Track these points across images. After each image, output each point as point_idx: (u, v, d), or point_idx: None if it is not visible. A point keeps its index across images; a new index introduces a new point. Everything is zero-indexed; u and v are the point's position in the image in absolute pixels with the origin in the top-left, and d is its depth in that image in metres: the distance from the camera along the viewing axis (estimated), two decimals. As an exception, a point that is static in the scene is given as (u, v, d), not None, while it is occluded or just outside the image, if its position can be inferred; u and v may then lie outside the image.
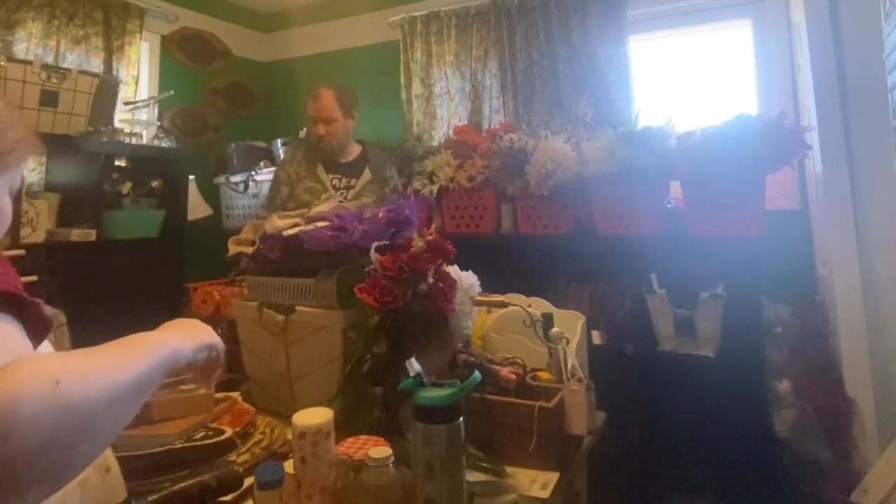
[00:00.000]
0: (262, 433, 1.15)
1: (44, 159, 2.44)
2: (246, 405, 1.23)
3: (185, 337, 0.75)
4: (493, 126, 2.69)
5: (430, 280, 1.16)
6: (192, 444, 1.01)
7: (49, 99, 2.21)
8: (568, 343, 1.28)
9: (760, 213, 1.87)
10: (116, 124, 2.61)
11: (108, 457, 0.77)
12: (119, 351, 0.61)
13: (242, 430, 1.12)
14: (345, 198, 2.33)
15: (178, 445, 0.99)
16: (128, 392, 0.57)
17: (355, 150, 2.50)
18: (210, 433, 1.05)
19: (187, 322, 0.82)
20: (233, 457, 1.04)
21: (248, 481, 0.92)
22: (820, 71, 1.95)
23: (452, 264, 1.27)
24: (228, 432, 1.06)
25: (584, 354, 1.43)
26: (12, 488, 0.47)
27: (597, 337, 2.00)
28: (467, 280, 1.28)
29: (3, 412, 0.45)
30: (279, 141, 3.08)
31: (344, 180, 2.41)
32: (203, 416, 1.12)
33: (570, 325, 1.42)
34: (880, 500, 1.53)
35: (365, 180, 2.43)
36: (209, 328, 0.83)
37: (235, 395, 1.28)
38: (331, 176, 2.40)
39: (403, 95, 3.14)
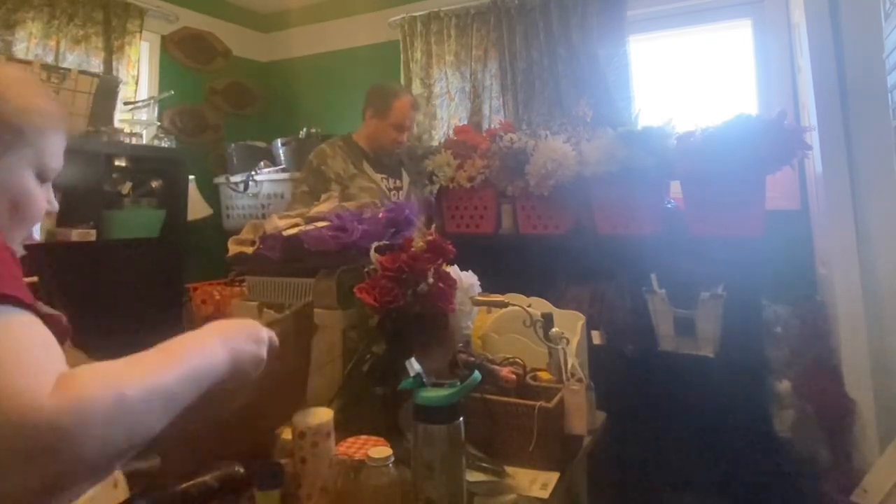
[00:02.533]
0: None
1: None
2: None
3: (225, 342, 0.70)
4: (493, 126, 2.69)
5: (430, 280, 1.16)
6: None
7: (49, 99, 2.20)
8: (568, 343, 1.28)
9: (760, 213, 1.86)
10: (116, 124, 2.61)
11: (117, 473, 0.77)
12: (173, 359, 0.61)
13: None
14: (397, 199, 2.31)
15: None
16: (182, 401, 0.59)
17: None
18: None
19: (234, 322, 0.77)
20: None
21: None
22: (820, 71, 1.95)
23: (452, 264, 1.27)
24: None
25: (584, 354, 1.43)
26: (69, 485, 0.49)
27: (597, 337, 2.00)
28: (467, 280, 1.28)
29: (73, 423, 0.47)
30: (279, 141, 3.08)
31: (391, 181, 2.39)
32: None
33: (570, 325, 1.42)
34: (880, 501, 1.53)
35: (407, 181, 2.43)
36: (252, 328, 0.77)
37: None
38: (380, 176, 2.35)
39: (403, 95, 3.14)
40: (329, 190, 2.21)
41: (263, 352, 0.75)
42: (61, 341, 0.60)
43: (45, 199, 0.75)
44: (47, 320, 0.58)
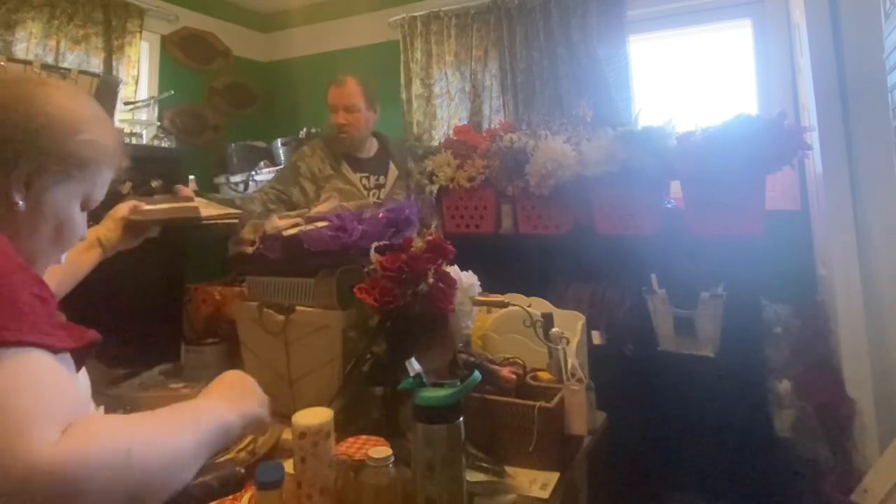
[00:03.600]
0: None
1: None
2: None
3: (236, 408, 0.72)
4: (493, 126, 2.69)
5: (430, 280, 1.16)
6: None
7: (49, 99, 2.21)
8: (568, 343, 1.28)
9: (760, 213, 1.86)
10: (116, 124, 2.61)
11: None
12: (179, 422, 0.62)
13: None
14: (377, 198, 2.31)
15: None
16: (187, 464, 0.60)
17: (373, 145, 2.46)
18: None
19: (238, 385, 0.79)
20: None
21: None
22: (820, 71, 1.95)
23: (452, 264, 1.27)
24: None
25: (584, 354, 1.43)
26: None
27: (597, 337, 2.00)
28: (467, 280, 1.28)
29: (74, 474, 0.47)
30: (279, 141, 3.08)
31: (372, 179, 2.38)
32: None
33: (570, 325, 1.42)
34: (880, 500, 1.53)
35: (393, 177, 2.41)
36: (257, 392, 0.80)
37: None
38: (359, 175, 2.35)
39: (403, 95, 3.14)
40: (298, 184, 2.28)
41: (267, 414, 0.79)
42: (83, 361, 0.62)
43: (84, 228, 0.78)
44: (79, 340, 0.59)
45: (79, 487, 0.47)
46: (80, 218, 0.77)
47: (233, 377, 0.80)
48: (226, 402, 0.71)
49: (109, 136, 0.77)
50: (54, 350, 0.56)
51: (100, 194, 0.78)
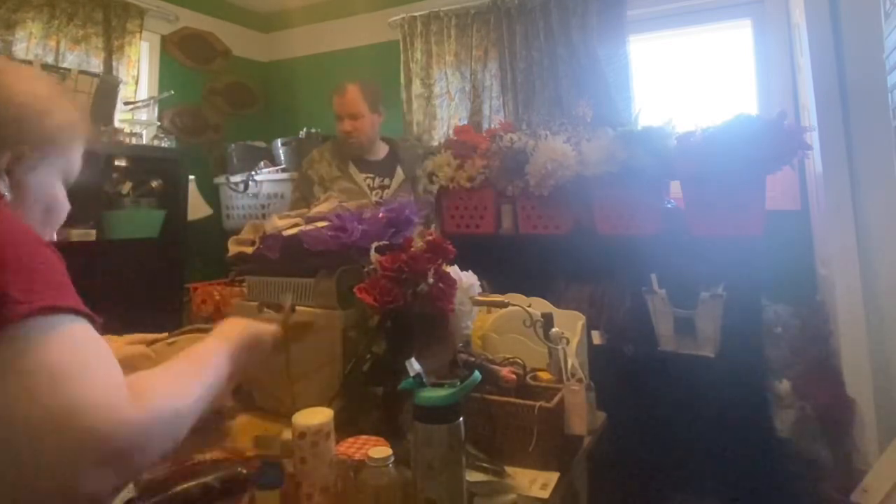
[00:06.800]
0: None
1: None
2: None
3: (236, 359, 0.85)
4: (493, 126, 2.69)
5: (430, 280, 1.16)
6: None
7: (49, 99, 2.21)
8: (568, 343, 1.28)
9: (760, 213, 1.86)
10: (116, 124, 2.61)
11: None
12: (199, 377, 0.72)
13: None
14: (380, 198, 2.33)
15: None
16: (197, 414, 0.68)
17: (383, 149, 2.49)
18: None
19: (233, 324, 0.93)
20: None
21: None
22: (820, 71, 1.95)
23: (452, 264, 1.27)
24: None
25: (584, 354, 1.43)
26: (124, 477, 0.56)
27: (597, 337, 2.00)
28: (467, 280, 1.28)
29: (149, 431, 0.56)
30: (279, 141, 3.08)
31: (378, 180, 2.40)
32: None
33: (570, 325, 1.42)
34: (880, 501, 1.53)
35: (399, 179, 2.43)
36: (243, 326, 0.93)
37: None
38: (364, 175, 2.38)
39: (403, 95, 3.14)
40: (314, 193, 2.31)
41: (257, 358, 0.94)
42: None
43: (66, 202, 0.80)
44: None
45: (149, 442, 0.56)
46: (63, 194, 0.79)
47: (241, 326, 0.93)
48: (225, 355, 0.82)
49: (75, 109, 0.79)
50: (93, 320, 0.61)
51: (77, 167, 0.81)
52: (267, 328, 1.01)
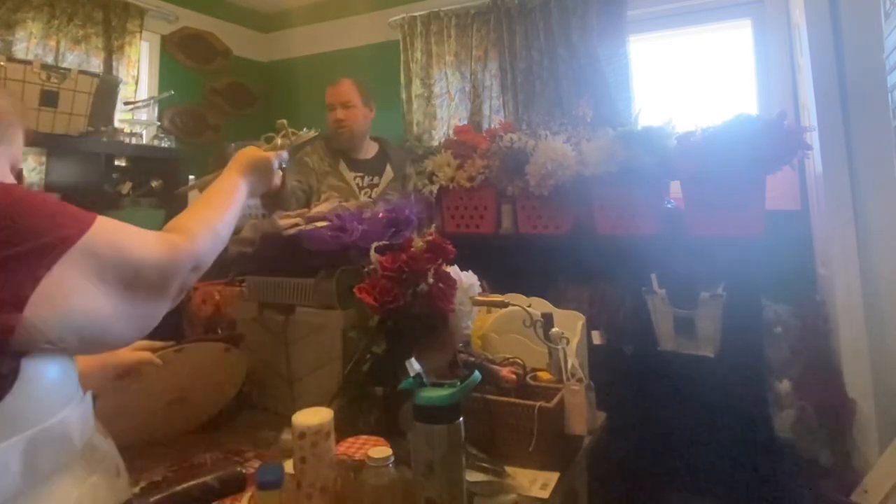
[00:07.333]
0: None
1: (43, 159, 2.44)
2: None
3: (253, 189, 1.12)
4: (493, 126, 2.69)
5: (430, 280, 1.16)
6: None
7: (49, 99, 2.21)
8: (568, 343, 1.28)
9: (760, 213, 1.86)
10: (116, 124, 2.61)
11: (119, 463, 0.78)
12: (228, 206, 0.95)
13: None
14: (369, 197, 2.33)
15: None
16: (233, 224, 0.96)
17: (373, 148, 2.49)
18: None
19: (241, 155, 1.12)
20: None
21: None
22: (820, 71, 1.94)
23: (452, 264, 1.27)
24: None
25: (584, 354, 1.43)
26: (191, 284, 0.83)
27: (597, 337, 2.00)
28: (467, 280, 1.28)
29: (202, 251, 0.81)
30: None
31: (367, 179, 2.40)
32: None
33: (570, 325, 1.42)
34: (880, 501, 1.53)
35: (388, 178, 2.42)
36: (252, 156, 1.12)
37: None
38: (353, 174, 2.38)
39: (403, 95, 3.14)
40: (311, 177, 2.33)
41: (268, 178, 1.16)
42: None
43: None
44: None
45: (202, 259, 0.82)
46: (12, 180, 0.80)
47: (254, 158, 1.11)
48: (244, 188, 1.06)
49: (4, 95, 0.82)
50: None
51: (20, 152, 0.84)
52: (269, 153, 1.16)
